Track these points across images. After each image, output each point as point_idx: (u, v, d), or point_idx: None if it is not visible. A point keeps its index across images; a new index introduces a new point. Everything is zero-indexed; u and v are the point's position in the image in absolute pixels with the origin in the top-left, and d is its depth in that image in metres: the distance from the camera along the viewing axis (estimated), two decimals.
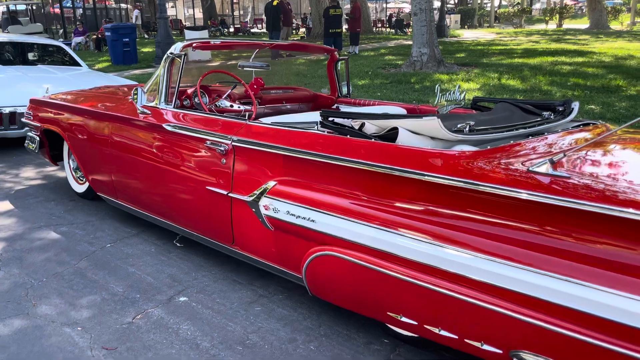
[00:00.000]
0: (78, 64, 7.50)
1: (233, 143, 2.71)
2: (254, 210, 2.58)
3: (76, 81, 6.37)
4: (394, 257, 2.07)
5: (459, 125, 2.41)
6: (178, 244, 3.34)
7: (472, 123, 2.46)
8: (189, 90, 3.71)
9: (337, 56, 4.38)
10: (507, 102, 3.32)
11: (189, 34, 14.90)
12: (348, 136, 2.39)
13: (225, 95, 3.80)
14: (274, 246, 2.60)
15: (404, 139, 2.31)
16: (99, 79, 6.74)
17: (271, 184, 2.54)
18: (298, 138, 2.52)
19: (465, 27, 33.24)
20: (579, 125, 2.90)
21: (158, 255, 3.22)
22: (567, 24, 34.32)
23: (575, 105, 3.05)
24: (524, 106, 3.21)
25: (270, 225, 2.52)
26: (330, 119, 2.58)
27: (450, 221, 1.97)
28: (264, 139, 2.62)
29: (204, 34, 15.02)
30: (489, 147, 2.16)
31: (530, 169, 1.88)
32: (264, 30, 17.11)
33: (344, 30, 17.40)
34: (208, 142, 2.83)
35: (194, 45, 3.47)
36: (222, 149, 2.75)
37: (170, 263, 3.11)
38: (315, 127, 2.59)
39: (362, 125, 2.46)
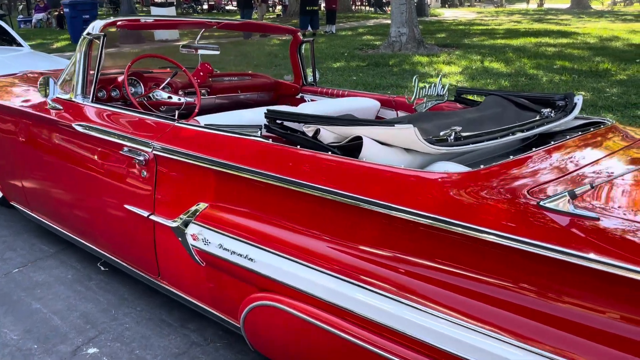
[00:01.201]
0: (19, 44, 6.72)
1: (154, 151, 2.11)
2: (180, 239, 2.00)
3: (12, 63, 5.63)
4: (354, 316, 1.52)
5: (441, 133, 1.86)
6: (102, 268, 2.75)
7: (458, 129, 1.91)
8: (120, 78, 3.09)
9: (301, 37, 3.77)
10: (497, 95, 2.78)
11: (154, 10, 14.02)
12: (298, 147, 1.82)
13: (164, 84, 3.18)
14: (206, 285, 2.03)
15: (370, 152, 1.74)
16: (40, 62, 6.00)
17: (201, 206, 1.96)
18: (233, 148, 1.94)
19: (446, 5, 32.64)
20: (587, 127, 2.38)
21: (74, 284, 2.62)
22: (548, 4, 33.95)
23: (579, 100, 2.54)
24: (517, 100, 2.68)
25: (201, 259, 1.95)
26: (279, 121, 2.01)
27: (430, 274, 1.42)
28: (190, 147, 2.03)
29: (171, 11, 14.13)
30: (482, 166, 1.61)
31: (541, 204, 1.34)
32: None
33: (321, 8, 16.62)
34: (125, 148, 2.22)
35: (118, 23, 2.83)
36: (141, 158, 2.15)
37: (87, 296, 2.52)
38: (259, 131, 2.00)
39: (317, 131, 1.88)
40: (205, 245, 1.91)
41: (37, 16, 19.26)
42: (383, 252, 1.50)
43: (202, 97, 3.53)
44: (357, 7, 29.26)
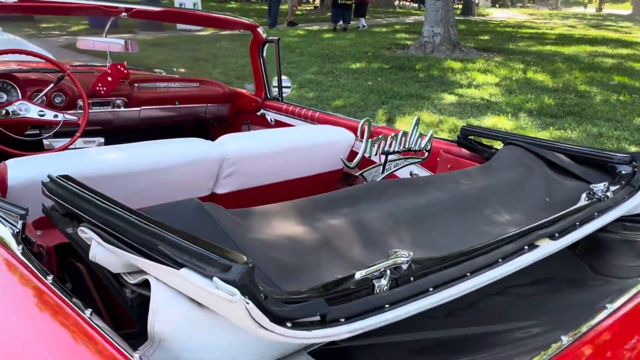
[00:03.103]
0: None
1: None
2: None
3: None
4: None
5: (358, 277, 0.85)
6: None
7: (404, 257, 0.89)
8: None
9: (264, 36, 2.78)
10: (520, 146, 1.77)
11: None
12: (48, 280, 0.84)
13: (48, 90, 2.26)
14: None
15: (169, 323, 0.74)
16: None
17: None
18: None
19: (497, 5, 31.09)
20: None
21: None
22: (608, 9, 31.88)
23: None
24: (551, 158, 1.66)
25: None
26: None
27: None
28: None
29: None
30: None
31: None
32: None
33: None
34: None
35: None
36: None
37: None
38: (17, 225, 1.03)
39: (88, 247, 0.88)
40: None
41: None
42: None
43: (117, 110, 2.60)
44: (400, 3, 27.96)
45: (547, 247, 1.13)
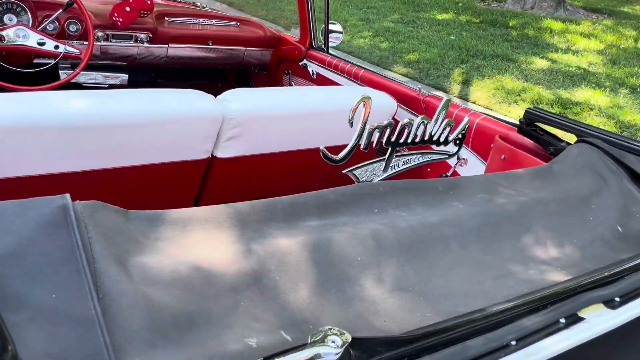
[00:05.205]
0: None
1: None
2: None
3: None
4: None
5: None
6: None
7: (334, 352, 0.54)
8: None
9: None
10: (596, 146, 1.35)
11: None
12: None
13: (57, 15, 2.05)
14: None
15: None
16: None
17: None
18: None
19: None
20: None
21: None
22: None
23: None
24: (636, 168, 1.23)
25: None
26: None
27: None
28: None
29: None
30: None
31: None
32: None
33: None
34: None
35: None
36: None
37: None
38: None
39: None
40: None
41: None
42: None
43: (140, 45, 2.36)
44: None
45: (598, 322, 0.76)
